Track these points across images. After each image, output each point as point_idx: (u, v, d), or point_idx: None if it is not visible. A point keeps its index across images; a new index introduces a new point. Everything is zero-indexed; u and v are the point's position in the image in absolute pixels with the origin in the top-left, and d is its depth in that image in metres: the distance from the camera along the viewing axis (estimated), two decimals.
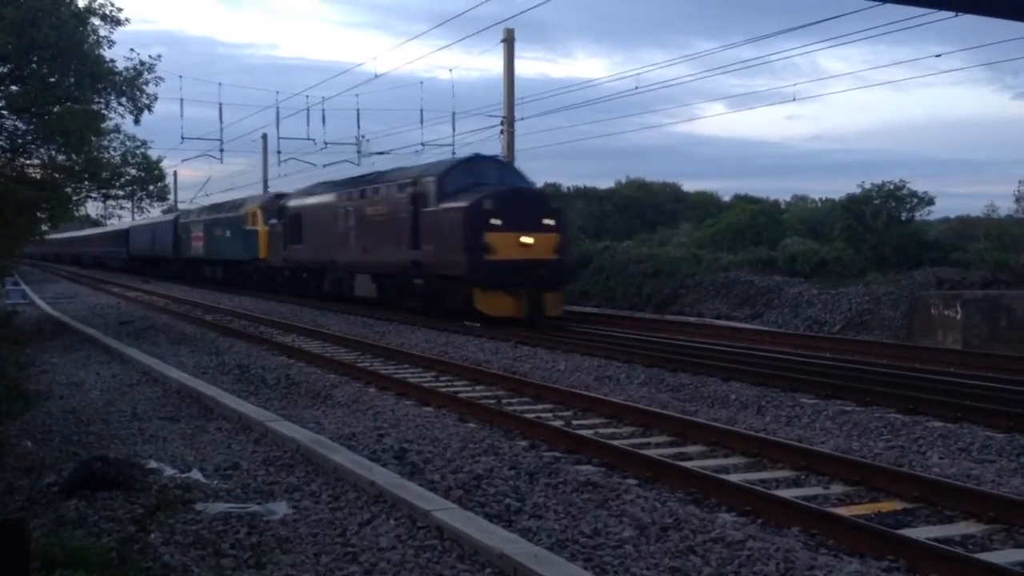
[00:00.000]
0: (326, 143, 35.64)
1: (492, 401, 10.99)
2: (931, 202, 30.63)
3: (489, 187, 20.51)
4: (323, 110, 34.37)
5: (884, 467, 7.38)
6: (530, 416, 9.88)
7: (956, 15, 19.58)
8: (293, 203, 29.88)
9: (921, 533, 5.96)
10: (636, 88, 43.35)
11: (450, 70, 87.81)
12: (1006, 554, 5.62)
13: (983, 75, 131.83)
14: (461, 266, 19.49)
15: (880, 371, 12.59)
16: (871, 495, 6.92)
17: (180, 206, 63.45)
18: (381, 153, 35.90)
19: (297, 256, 28.95)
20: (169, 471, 7.44)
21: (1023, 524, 6.03)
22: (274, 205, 32.55)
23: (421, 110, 33.00)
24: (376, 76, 62.41)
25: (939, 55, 74.11)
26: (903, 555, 5.45)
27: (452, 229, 19.87)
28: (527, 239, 19.54)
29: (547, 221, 20.07)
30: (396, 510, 6.28)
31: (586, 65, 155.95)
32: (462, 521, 5.80)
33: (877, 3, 19.53)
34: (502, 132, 30.31)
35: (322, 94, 65.86)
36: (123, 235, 57.57)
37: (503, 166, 22.17)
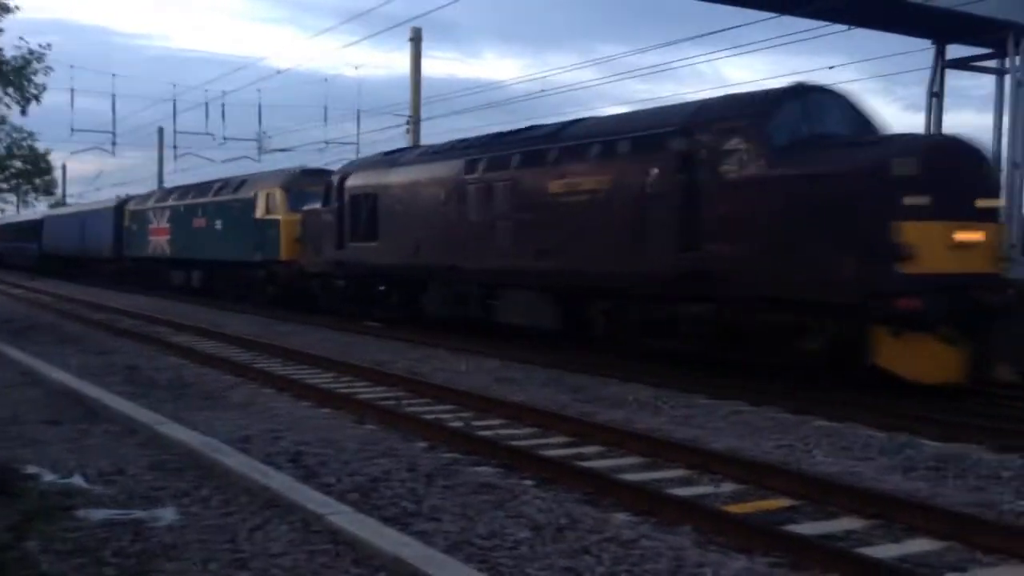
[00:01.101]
0: (225, 138, 34.91)
1: (392, 402, 10.90)
2: None
3: (875, 136, 11.84)
4: (223, 104, 33.68)
5: (772, 465, 7.61)
6: (430, 417, 9.83)
7: (848, 28, 20.54)
8: (359, 180, 20.21)
9: (806, 529, 6.15)
10: (543, 91, 43.80)
11: (356, 68, 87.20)
12: (886, 548, 5.83)
13: (875, 86, 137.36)
14: (845, 285, 10.48)
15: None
16: (760, 493, 7.10)
17: (68, 200, 60.75)
18: (283, 150, 35.31)
19: (366, 258, 19.66)
20: (49, 476, 7.12)
21: (902, 520, 6.27)
22: (302, 185, 24.18)
23: (325, 107, 32.68)
24: (279, 72, 61.39)
25: (832, 67, 77.17)
26: (789, 551, 5.61)
27: (815, 213, 10.84)
28: (967, 235, 10.68)
29: (986, 202, 11.08)
30: (290, 514, 6.15)
31: (495, 66, 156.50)
32: (357, 524, 5.71)
33: (776, 15, 20.21)
34: (408, 131, 30.24)
35: (222, 88, 64.34)
36: (34, 228, 47.55)
37: (849, 107, 12.38)
